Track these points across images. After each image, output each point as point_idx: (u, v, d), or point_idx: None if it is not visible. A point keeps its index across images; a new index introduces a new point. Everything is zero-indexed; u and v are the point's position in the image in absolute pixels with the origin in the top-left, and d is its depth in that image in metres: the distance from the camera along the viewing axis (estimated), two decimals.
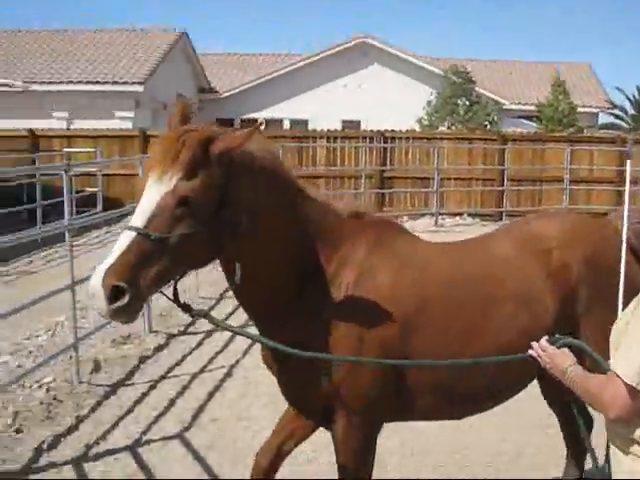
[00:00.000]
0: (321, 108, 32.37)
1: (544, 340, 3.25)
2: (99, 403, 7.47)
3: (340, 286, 3.75)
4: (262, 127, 3.48)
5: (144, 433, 6.73)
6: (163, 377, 8.25)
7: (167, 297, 3.45)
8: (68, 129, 25.03)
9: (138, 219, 3.14)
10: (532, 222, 4.61)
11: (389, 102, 31.30)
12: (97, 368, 8.42)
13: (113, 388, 7.92)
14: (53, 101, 27.02)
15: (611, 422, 2.97)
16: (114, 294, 3.01)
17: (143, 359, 8.86)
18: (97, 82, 27.75)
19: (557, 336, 3.27)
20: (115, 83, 27.82)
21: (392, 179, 22.80)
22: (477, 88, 29.95)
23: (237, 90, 34.69)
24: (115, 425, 6.93)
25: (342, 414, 3.82)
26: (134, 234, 3.11)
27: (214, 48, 41.12)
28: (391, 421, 4.23)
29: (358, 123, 31.90)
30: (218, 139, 3.28)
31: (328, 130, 24.10)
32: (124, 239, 3.11)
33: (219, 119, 33.16)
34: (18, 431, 6.71)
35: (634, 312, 2.91)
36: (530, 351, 3.28)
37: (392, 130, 23.23)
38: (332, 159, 23.05)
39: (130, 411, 7.29)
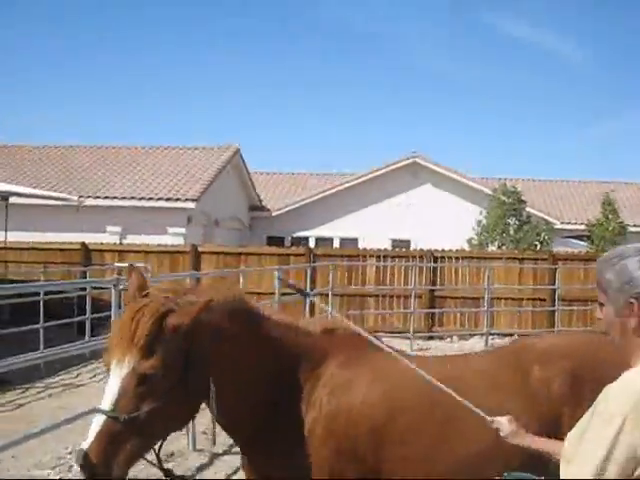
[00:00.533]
0: (371, 227, 32.50)
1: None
2: None
3: (315, 403, 3.85)
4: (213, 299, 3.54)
5: None
6: None
7: (149, 462, 3.60)
8: (120, 243, 25.33)
9: (106, 402, 3.33)
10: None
11: (439, 221, 31.38)
12: None
13: None
14: (107, 216, 27.51)
15: None
16: (92, 475, 3.21)
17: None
18: (150, 198, 28.19)
19: (506, 473, 3.17)
20: (169, 200, 28.23)
21: (442, 298, 22.63)
22: (527, 208, 29.86)
23: (288, 208, 35.01)
24: None
25: None
26: (104, 417, 3.29)
27: (265, 167, 41.80)
28: None
29: (408, 242, 31.91)
30: (172, 314, 3.43)
31: (378, 249, 24.13)
32: (96, 422, 3.30)
33: (270, 237, 33.48)
34: None
35: (590, 421, 2.70)
36: None
37: (442, 250, 23.18)
38: (382, 278, 22.99)
39: None
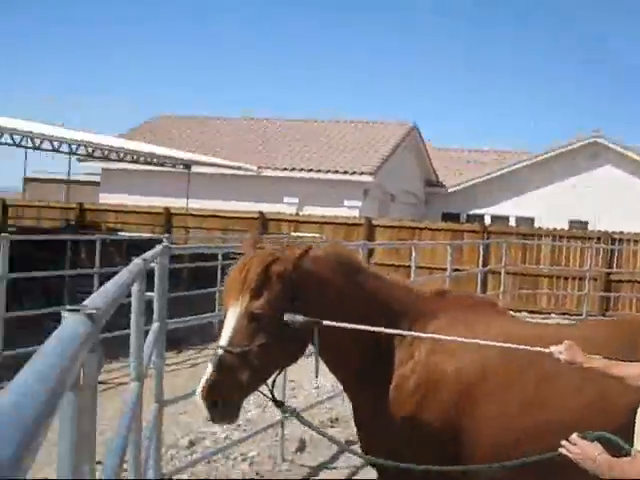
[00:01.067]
0: (548, 207, 31.77)
1: (575, 435, 3.23)
2: None
3: (413, 358, 4.16)
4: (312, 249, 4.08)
5: None
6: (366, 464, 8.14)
7: (262, 394, 4.09)
8: (297, 214, 25.71)
9: (223, 339, 3.84)
10: None
11: (619, 203, 30.34)
12: (302, 448, 8.43)
13: (315, 470, 7.89)
14: (285, 186, 28.01)
15: None
16: (211, 404, 3.71)
17: (349, 443, 8.80)
18: (328, 171, 28.47)
19: (589, 432, 3.26)
20: (346, 173, 28.43)
21: (618, 282, 21.94)
22: None
23: (464, 185, 34.66)
24: None
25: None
26: (221, 352, 3.79)
27: (443, 142, 41.45)
28: None
29: (586, 224, 31.04)
30: (277, 261, 3.90)
31: (554, 229, 23.60)
32: (215, 357, 3.80)
33: (445, 213, 33.26)
34: None
35: None
36: (560, 449, 3.25)
37: (620, 232, 22.43)
38: (557, 258, 22.51)
39: None
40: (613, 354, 3.68)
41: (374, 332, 4.05)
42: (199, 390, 3.73)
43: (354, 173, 28.35)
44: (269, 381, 4.07)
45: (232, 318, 3.85)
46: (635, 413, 3.22)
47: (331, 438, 5.09)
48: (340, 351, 4.21)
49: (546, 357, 3.78)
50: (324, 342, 4.03)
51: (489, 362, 4.10)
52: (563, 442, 3.25)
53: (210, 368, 3.78)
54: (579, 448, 3.18)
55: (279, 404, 4.20)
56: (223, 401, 3.75)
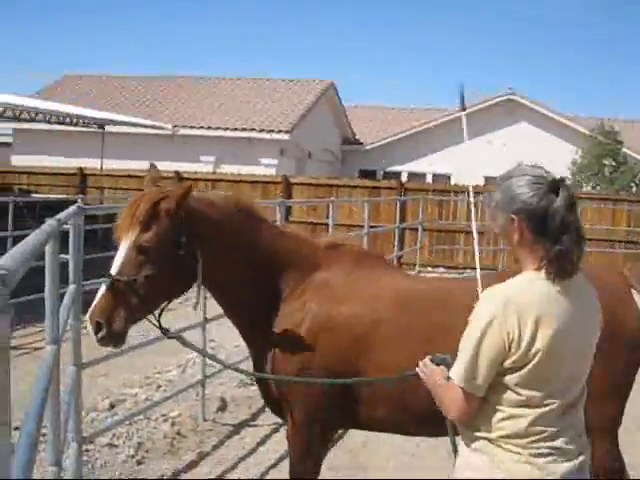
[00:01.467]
0: (464, 164, 32.14)
1: (427, 358, 3.30)
2: (222, 442, 7.46)
3: (304, 307, 4.36)
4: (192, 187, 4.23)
5: (264, 475, 6.67)
6: None
7: (150, 322, 4.28)
8: (214, 173, 25.54)
9: (113, 268, 4.06)
10: None
11: (533, 160, 30.36)
12: (223, 407, 8.44)
13: (237, 428, 7.91)
14: (201, 146, 27.79)
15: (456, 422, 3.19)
16: (96, 327, 3.97)
17: None
18: (244, 129, 28.36)
19: (436, 355, 3.30)
20: (262, 131, 28.35)
21: None
22: (624, 149, 29.10)
23: (381, 143, 34.81)
24: (236, 465, 6.90)
25: (289, 414, 4.48)
26: (109, 280, 4.02)
27: (360, 100, 41.51)
28: (345, 428, 5.24)
29: None
30: (165, 199, 4.11)
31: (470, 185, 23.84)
32: (104, 284, 4.04)
33: (362, 170, 33.39)
34: (140, 462, 6.78)
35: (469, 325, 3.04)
36: (417, 369, 3.33)
37: None
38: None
39: (252, 452, 7.24)
40: None
41: (267, 280, 4.43)
42: (88, 313, 4.02)
43: (271, 131, 28.29)
44: (157, 312, 4.28)
45: (123, 249, 4.09)
46: None
47: (212, 357, 5.63)
48: (231, 297, 4.51)
49: (439, 308, 4.23)
50: (215, 285, 4.45)
51: (381, 312, 4.28)
52: (419, 362, 3.33)
53: (99, 294, 4.04)
54: (428, 372, 3.25)
55: (164, 331, 4.36)
56: (108, 325, 3.98)
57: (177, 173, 23.75)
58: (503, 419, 3.01)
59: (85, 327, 4.16)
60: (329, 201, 13.79)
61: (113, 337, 4.05)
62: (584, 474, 3.08)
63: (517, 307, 2.90)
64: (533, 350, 2.89)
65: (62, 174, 25.49)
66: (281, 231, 4.72)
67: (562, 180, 3.17)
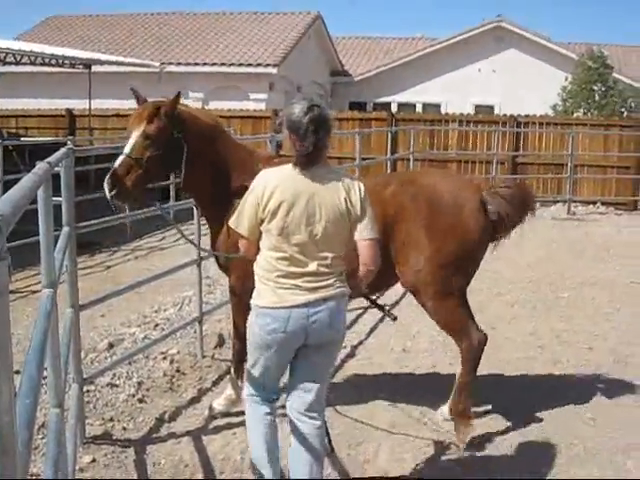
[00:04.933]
0: (454, 92, 31.99)
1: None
2: (221, 378, 7.51)
3: (236, 191, 5.37)
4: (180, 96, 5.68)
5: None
6: None
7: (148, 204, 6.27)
8: (203, 108, 25.37)
9: (126, 148, 5.48)
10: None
11: (523, 87, 30.65)
12: (221, 343, 8.49)
13: None
14: (189, 82, 27.53)
15: None
16: (111, 186, 5.35)
17: None
18: (232, 64, 28.15)
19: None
20: (250, 65, 28.14)
21: (524, 165, 22.32)
22: (614, 74, 28.91)
23: (370, 73, 34.57)
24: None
25: (229, 277, 6.26)
26: (124, 156, 5.45)
27: (347, 31, 41.09)
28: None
29: (492, 108, 31.36)
30: (163, 105, 5.56)
31: (460, 114, 23.78)
32: (119, 159, 5.45)
33: (352, 102, 33.20)
34: (141, 401, 6.84)
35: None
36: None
37: (526, 115, 22.71)
38: (464, 143, 22.74)
39: None
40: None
41: (223, 166, 5.86)
42: (107, 176, 5.37)
43: (259, 65, 28.12)
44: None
45: (134, 137, 5.49)
46: None
47: (188, 239, 6.41)
48: (200, 186, 5.95)
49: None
50: (190, 177, 5.74)
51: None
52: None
53: (115, 165, 5.41)
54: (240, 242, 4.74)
55: (156, 206, 6.51)
56: (120, 185, 5.35)
57: None
58: (263, 259, 4.41)
59: (81, 268, 4.16)
60: None
61: (122, 194, 5.39)
62: (323, 306, 4.33)
63: (265, 180, 4.39)
64: (270, 206, 4.29)
65: (50, 116, 25.30)
66: (237, 143, 6.36)
67: (313, 104, 4.28)
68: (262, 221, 4.34)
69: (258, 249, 4.45)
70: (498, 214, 5.88)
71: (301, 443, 4.54)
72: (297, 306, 4.30)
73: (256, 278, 4.45)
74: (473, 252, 5.94)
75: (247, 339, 4.60)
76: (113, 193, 5.32)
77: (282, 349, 4.44)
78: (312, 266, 4.32)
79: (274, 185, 4.31)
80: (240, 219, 4.44)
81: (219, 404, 6.54)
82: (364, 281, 4.53)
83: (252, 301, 4.47)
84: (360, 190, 4.42)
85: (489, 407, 6.71)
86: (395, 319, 5.47)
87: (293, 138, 4.29)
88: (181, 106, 5.72)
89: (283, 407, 4.82)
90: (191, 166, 5.68)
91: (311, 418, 4.56)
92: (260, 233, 4.40)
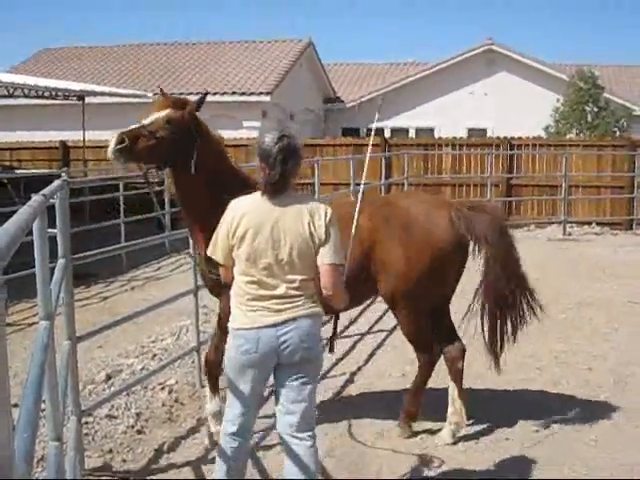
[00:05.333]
0: (447, 117, 32.08)
1: None
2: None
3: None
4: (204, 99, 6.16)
5: (264, 438, 6.71)
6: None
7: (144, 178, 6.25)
8: None
9: (146, 121, 5.81)
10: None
11: (515, 109, 30.74)
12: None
13: None
14: None
15: None
16: (119, 140, 5.63)
17: None
18: (225, 93, 28.23)
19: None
20: (243, 94, 28.23)
21: (519, 187, 22.39)
22: (605, 94, 29.01)
23: (363, 99, 34.66)
24: None
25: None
26: (140, 125, 5.79)
27: (339, 58, 41.28)
28: None
29: (484, 131, 31.47)
30: (191, 102, 6.04)
31: (454, 137, 23.87)
32: (136, 125, 5.81)
33: (345, 128, 33.30)
34: (140, 432, 6.81)
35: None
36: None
37: (519, 137, 22.80)
38: (458, 167, 22.81)
39: None
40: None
41: (223, 178, 5.99)
42: (116, 133, 5.72)
43: (251, 94, 28.21)
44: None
45: (156, 115, 5.83)
46: None
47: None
48: (201, 180, 5.93)
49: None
50: (196, 165, 5.88)
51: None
52: None
53: (129, 128, 5.79)
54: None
55: (149, 184, 6.37)
56: (130, 142, 5.63)
57: None
58: (236, 284, 4.61)
59: (78, 300, 4.16)
60: (314, 161, 13.74)
61: (125, 152, 5.66)
62: (292, 326, 4.49)
63: (235, 209, 4.60)
64: (238, 233, 4.50)
65: (45, 148, 25.38)
66: (236, 165, 6.72)
67: (284, 134, 4.45)
68: (233, 247, 4.56)
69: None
70: (466, 230, 6.28)
71: (294, 464, 4.61)
72: (266, 326, 4.49)
73: (231, 303, 4.68)
74: (444, 268, 6.32)
75: (225, 367, 4.79)
76: (119, 147, 5.64)
77: (256, 371, 4.59)
78: (281, 289, 4.51)
79: (242, 213, 4.54)
80: (215, 247, 4.67)
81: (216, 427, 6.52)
82: (333, 303, 4.73)
83: (229, 325, 4.68)
84: (326, 215, 4.58)
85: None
86: (331, 351, 5.41)
87: (262, 166, 4.50)
88: None
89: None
90: (197, 164, 5.89)
91: (301, 439, 4.63)
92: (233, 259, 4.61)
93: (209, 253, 4.72)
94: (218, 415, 6.43)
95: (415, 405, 6.74)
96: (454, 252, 6.31)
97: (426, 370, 6.63)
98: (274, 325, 4.49)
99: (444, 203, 6.71)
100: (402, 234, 6.22)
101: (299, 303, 4.54)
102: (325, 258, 4.53)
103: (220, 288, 5.86)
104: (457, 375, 6.65)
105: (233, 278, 4.66)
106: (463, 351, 6.70)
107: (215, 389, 6.69)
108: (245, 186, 5.79)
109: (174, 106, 5.91)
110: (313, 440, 4.70)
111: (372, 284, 6.33)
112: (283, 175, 4.45)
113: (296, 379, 4.61)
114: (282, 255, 4.48)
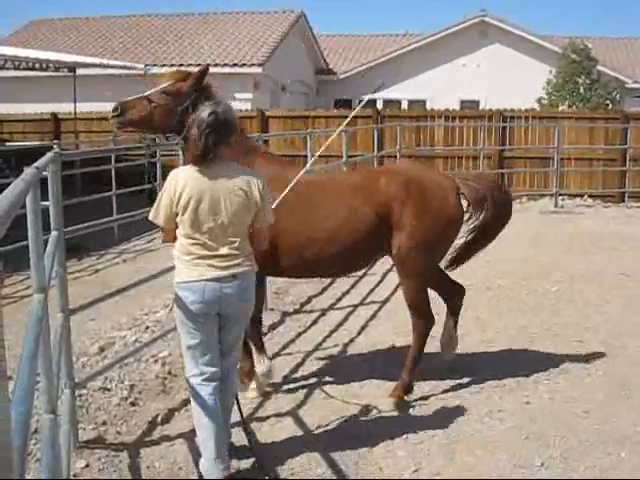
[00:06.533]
0: (439, 88, 31.98)
1: None
2: None
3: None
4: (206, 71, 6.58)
5: (257, 409, 6.74)
6: (277, 354, 8.22)
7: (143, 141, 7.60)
8: None
9: (148, 92, 6.34)
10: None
11: (508, 81, 30.65)
12: None
13: None
14: None
15: None
16: (116, 107, 6.34)
17: None
18: (216, 64, 28.09)
19: None
20: (235, 65, 28.11)
21: (511, 159, 22.35)
22: (598, 66, 28.94)
23: (355, 71, 34.56)
24: None
25: None
26: (141, 95, 6.32)
27: (331, 29, 41.07)
28: (271, 275, 7.32)
29: (477, 103, 31.39)
30: (192, 76, 6.41)
31: (446, 109, 23.80)
32: (136, 95, 6.38)
33: (337, 100, 33.18)
34: (133, 404, 6.82)
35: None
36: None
37: (511, 109, 22.73)
38: (450, 139, 22.77)
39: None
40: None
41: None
42: (117, 102, 6.36)
43: (243, 65, 28.10)
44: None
45: (158, 88, 6.34)
46: None
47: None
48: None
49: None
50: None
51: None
52: None
53: (130, 98, 6.38)
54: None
55: (147, 147, 7.84)
56: (126, 110, 6.33)
57: None
58: (180, 244, 5.00)
59: (70, 272, 4.15)
60: (306, 133, 13.71)
61: (120, 118, 6.35)
62: (234, 282, 4.99)
63: (176, 180, 4.95)
64: (181, 202, 4.87)
65: (36, 120, 25.32)
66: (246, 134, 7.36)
67: (214, 110, 4.92)
68: (176, 214, 4.96)
69: (175, 236, 5.08)
70: (471, 197, 6.95)
71: (215, 403, 5.24)
72: (211, 280, 4.95)
73: (175, 260, 5.12)
74: (450, 232, 6.84)
75: (175, 320, 5.35)
76: (116, 113, 6.30)
77: (204, 318, 5.07)
78: (223, 250, 4.98)
79: (183, 184, 4.93)
80: (157, 212, 5.04)
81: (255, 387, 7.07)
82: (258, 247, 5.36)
83: (174, 280, 5.11)
84: (258, 183, 5.10)
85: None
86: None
87: (194, 136, 4.94)
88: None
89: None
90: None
91: (225, 381, 5.35)
92: (176, 223, 5.01)
93: (151, 218, 5.10)
94: (268, 374, 7.00)
95: (411, 375, 6.89)
96: (460, 220, 6.87)
97: (422, 339, 6.89)
98: (218, 279, 4.96)
99: (447, 175, 7.54)
100: (420, 199, 6.56)
101: (238, 261, 5.03)
102: (262, 221, 5.18)
103: None
104: (456, 310, 7.45)
105: (174, 239, 5.09)
106: (463, 291, 7.47)
107: (263, 350, 7.09)
108: (248, 154, 6.48)
109: (180, 78, 6.37)
110: (236, 385, 5.64)
111: (385, 243, 6.64)
112: (209, 146, 4.88)
113: (230, 329, 5.23)
114: (222, 220, 4.94)
